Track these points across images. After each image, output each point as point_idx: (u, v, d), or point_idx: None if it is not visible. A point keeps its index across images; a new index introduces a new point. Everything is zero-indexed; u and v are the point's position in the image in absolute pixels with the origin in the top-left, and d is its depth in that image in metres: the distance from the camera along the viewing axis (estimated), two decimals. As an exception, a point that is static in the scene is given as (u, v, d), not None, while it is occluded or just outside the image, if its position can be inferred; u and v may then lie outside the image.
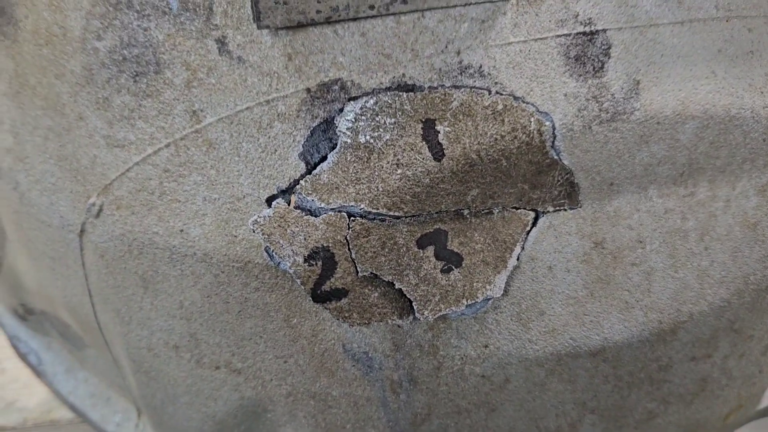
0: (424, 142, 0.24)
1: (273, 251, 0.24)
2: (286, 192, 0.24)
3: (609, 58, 0.25)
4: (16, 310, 0.36)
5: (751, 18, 0.26)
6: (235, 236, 0.24)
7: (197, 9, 0.23)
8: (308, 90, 0.24)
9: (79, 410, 0.35)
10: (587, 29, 0.25)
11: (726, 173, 0.27)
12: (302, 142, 0.24)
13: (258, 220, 0.23)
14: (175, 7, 0.24)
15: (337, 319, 0.25)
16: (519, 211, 0.25)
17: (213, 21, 0.23)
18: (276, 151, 0.24)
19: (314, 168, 0.24)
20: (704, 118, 0.26)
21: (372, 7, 0.23)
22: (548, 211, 0.26)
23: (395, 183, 0.24)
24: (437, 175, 0.24)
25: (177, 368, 0.28)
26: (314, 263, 0.24)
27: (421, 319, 0.25)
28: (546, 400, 0.28)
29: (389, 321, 0.25)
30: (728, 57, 0.26)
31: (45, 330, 0.37)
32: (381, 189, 0.24)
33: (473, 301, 0.25)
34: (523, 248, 0.26)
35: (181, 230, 0.25)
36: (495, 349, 0.26)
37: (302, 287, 0.24)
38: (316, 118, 0.24)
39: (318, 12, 0.23)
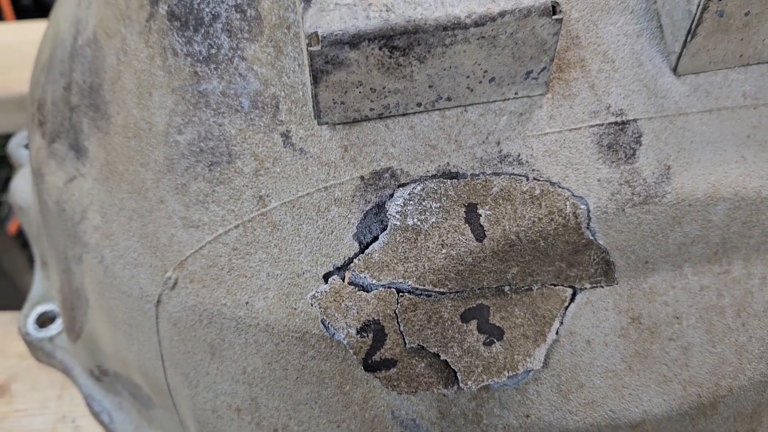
0: (466, 225, 0.26)
1: (329, 323, 0.26)
2: (341, 269, 0.26)
3: (640, 145, 0.27)
4: (92, 371, 0.39)
5: (779, 105, 0.28)
6: (295, 309, 0.27)
7: (265, 107, 0.27)
8: (362, 178, 0.26)
9: (145, 468, 0.38)
10: (619, 119, 0.27)
11: (760, 252, 0.28)
12: (356, 224, 0.26)
13: (316, 294, 0.26)
14: (246, 105, 0.27)
15: (387, 387, 0.27)
16: (557, 287, 0.27)
17: (279, 117, 0.27)
18: (332, 232, 0.26)
19: (367, 247, 0.26)
20: (735, 199, 0.27)
21: (419, 105, 0.26)
22: (585, 288, 0.27)
23: (440, 262, 0.26)
24: (479, 255, 0.26)
25: (238, 430, 0.31)
26: (366, 335, 0.26)
27: (465, 389, 0.26)
28: (588, 471, 0.29)
29: (435, 390, 0.27)
30: (757, 142, 0.28)
31: (117, 391, 0.39)
32: (427, 267, 0.26)
33: (514, 373, 0.26)
34: (561, 323, 0.27)
35: (247, 302, 0.27)
36: (536, 419, 0.28)
37: (355, 357, 0.26)
38: (368, 202, 0.26)
39: (371, 110, 0.25)
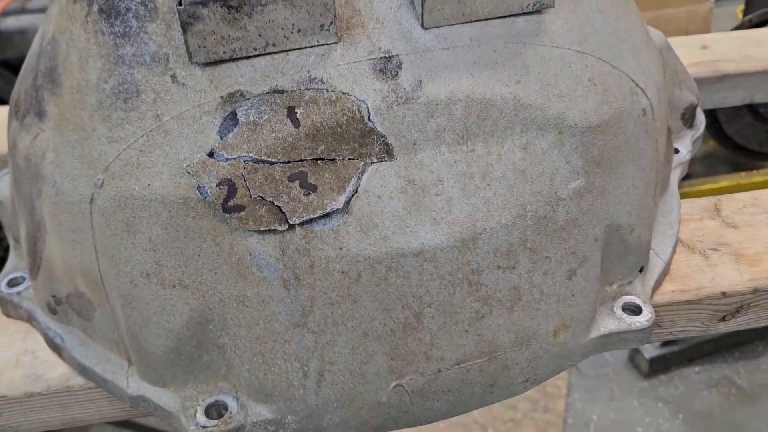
0: (288, 119, 0.40)
1: (201, 187, 0.39)
2: (210, 154, 0.40)
3: (401, 69, 0.42)
4: (48, 304, 0.51)
5: (495, 44, 0.43)
6: (179, 183, 0.40)
7: (160, 60, 0.42)
8: (222, 97, 0.41)
9: (88, 370, 0.49)
10: (386, 55, 0.42)
11: (494, 137, 0.43)
12: (218, 125, 0.41)
13: (189, 164, 0.40)
14: (147, 60, 0.42)
15: (240, 225, 0.40)
16: (354, 160, 0.41)
17: (168, 66, 0.42)
18: (203, 131, 0.41)
19: (225, 137, 0.40)
20: (468, 100, 0.42)
21: (255, 49, 0.41)
22: (374, 162, 0.41)
23: (271, 141, 0.40)
24: (296, 137, 0.40)
25: (148, 292, 0.43)
26: (222, 188, 0.39)
27: (292, 222, 0.40)
28: (392, 293, 0.41)
29: (272, 227, 0.40)
30: (480, 66, 0.43)
31: (68, 320, 0.51)
32: (263, 145, 0.40)
33: (324, 211, 0.40)
34: (359, 183, 0.41)
35: (149, 185, 0.41)
36: (347, 250, 0.40)
37: (216, 203, 0.39)
38: (226, 111, 0.41)
39: (224, 52, 0.41)
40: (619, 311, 0.49)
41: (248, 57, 0.41)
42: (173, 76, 0.42)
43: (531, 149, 0.43)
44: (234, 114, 0.41)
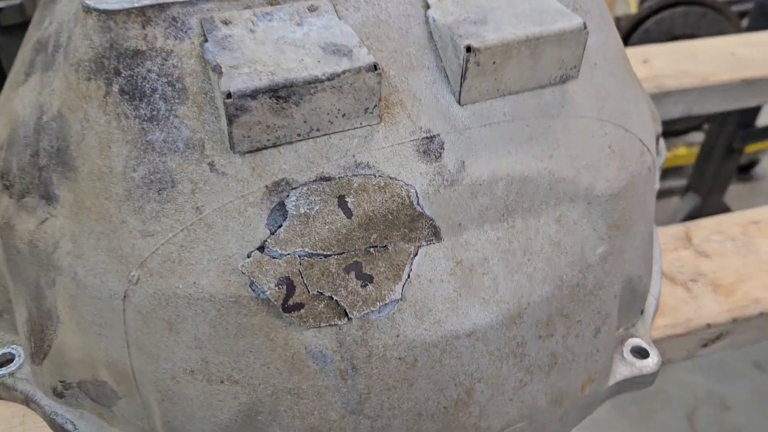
0: (339, 209, 0.39)
1: (255, 285, 0.38)
2: (261, 249, 0.39)
3: (444, 150, 0.42)
4: (55, 389, 0.48)
5: (528, 119, 0.44)
6: (230, 281, 0.39)
7: (195, 147, 0.39)
8: (266, 186, 0.39)
9: (109, 459, 0.46)
10: (428, 135, 0.42)
11: (531, 212, 0.44)
12: (266, 218, 0.39)
13: (244, 264, 0.38)
14: (181, 147, 0.39)
15: (300, 324, 0.39)
16: (405, 245, 0.41)
17: (205, 152, 0.39)
18: (250, 225, 0.39)
19: (275, 233, 0.39)
20: (508, 178, 0.43)
21: (299, 135, 0.39)
22: (423, 245, 0.41)
23: (325, 234, 0.39)
24: (350, 227, 0.39)
25: (192, 388, 0.41)
26: (281, 287, 0.38)
27: (352, 317, 0.39)
28: (446, 373, 0.42)
29: (332, 322, 0.39)
30: (516, 142, 0.44)
31: (78, 403, 0.48)
32: (317, 238, 0.39)
33: (383, 303, 0.39)
34: (411, 268, 0.41)
35: (194, 282, 0.39)
36: (403, 337, 0.41)
37: (276, 304, 0.38)
38: (273, 202, 0.39)
39: (268, 140, 0.39)
40: (629, 356, 0.52)
41: (291, 143, 0.40)
42: (211, 165, 0.39)
43: (564, 221, 0.45)
44: (282, 205, 0.39)
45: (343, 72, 0.38)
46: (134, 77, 0.39)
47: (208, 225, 0.39)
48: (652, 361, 0.52)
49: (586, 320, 0.47)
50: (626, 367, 0.52)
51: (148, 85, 0.39)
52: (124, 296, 0.40)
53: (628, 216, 0.49)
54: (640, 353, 0.53)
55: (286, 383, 0.41)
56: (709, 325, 0.58)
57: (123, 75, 0.39)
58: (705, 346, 0.60)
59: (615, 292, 0.49)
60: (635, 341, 0.53)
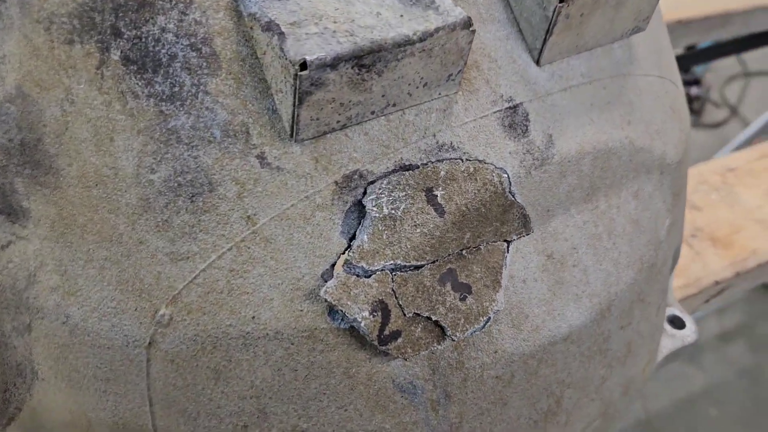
0: (429, 206, 0.31)
1: (343, 312, 0.29)
2: (344, 266, 0.30)
3: (529, 122, 0.35)
4: (22, 457, 0.36)
5: (604, 79, 0.38)
6: (301, 310, 0.29)
7: (237, 134, 0.29)
8: (336, 182, 0.30)
9: None
10: (510, 104, 0.34)
11: (613, 188, 0.38)
12: (340, 223, 0.30)
13: (327, 289, 0.29)
14: (218, 135, 0.29)
15: (397, 357, 0.31)
16: (497, 243, 0.34)
17: (251, 141, 0.29)
18: (321, 234, 0.30)
19: (353, 240, 0.30)
20: (594, 152, 0.36)
21: (373, 113, 0.30)
22: (514, 239, 0.34)
23: (417, 239, 0.31)
24: (443, 228, 0.31)
25: (246, 446, 0.32)
26: (376, 314, 0.29)
27: (455, 339, 0.32)
28: (539, 385, 0.36)
29: (432, 348, 0.31)
30: (597, 108, 0.37)
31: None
32: (409, 246, 0.30)
33: (488, 317, 0.32)
34: (506, 269, 0.34)
35: (253, 317, 0.29)
36: (502, 352, 0.34)
37: (369, 336, 0.30)
38: (347, 202, 0.30)
39: (338, 122, 0.29)
40: (668, 327, 0.50)
41: (360, 123, 0.31)
42: (261, 157, 0.29)
43: (641, 195, 0.40)
44: (359, 205, 0.30)
45: (436, 30, 0.29)
46: (142, 39, 0.28)
47: (266, 239, 0.29)
48: (690, 330, 0.50)
49: (654, 300, 0.43)
50: (668, 340, 0.49)
51: (163, 51, 0.28)
52: (150, 343, 0.29)
53: (683, 182, 0.45)
54: (675, 323, 0.50)
55: (367, 425, 0.33)
56: (716, 282, 0.57)
57: (126, 36, 0.28)
58: (707, 302, 0.60)
59: (670, 265, 0.46)
60: (670, 310, 0.51)
